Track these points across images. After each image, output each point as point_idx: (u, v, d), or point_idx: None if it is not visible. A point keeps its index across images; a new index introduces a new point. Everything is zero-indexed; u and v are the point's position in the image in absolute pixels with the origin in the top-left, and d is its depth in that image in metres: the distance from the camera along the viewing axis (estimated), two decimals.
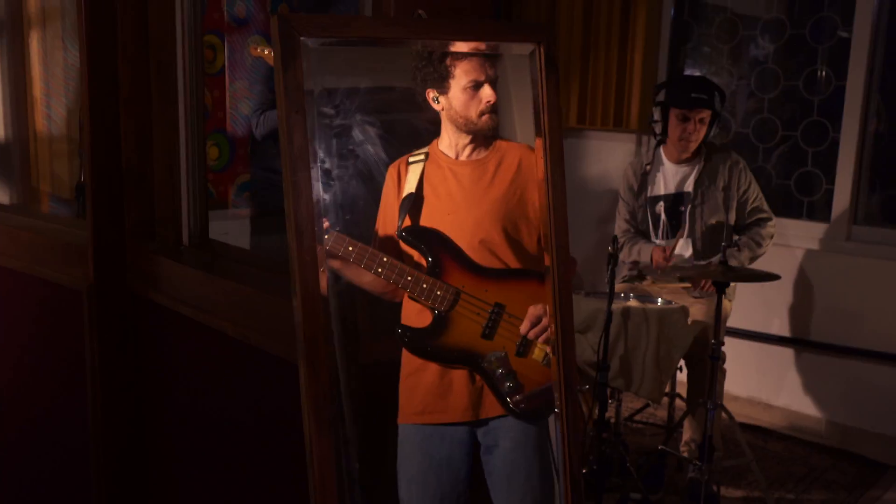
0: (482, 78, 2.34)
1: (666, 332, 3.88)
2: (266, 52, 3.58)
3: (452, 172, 2.50)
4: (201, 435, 2.90)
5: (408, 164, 2.52)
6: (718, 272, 3.66)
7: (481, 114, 2.39)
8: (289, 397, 2.26)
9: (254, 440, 2.67)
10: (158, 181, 2.96)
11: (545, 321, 2.39)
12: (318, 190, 1.88)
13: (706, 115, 4.17)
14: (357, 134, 2.16)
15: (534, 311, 2.41)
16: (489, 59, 2.32)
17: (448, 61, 2.32)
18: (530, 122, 2.34)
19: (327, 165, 2.03)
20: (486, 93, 2.35)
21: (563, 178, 1.97)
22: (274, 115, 3.82)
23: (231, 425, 2.75)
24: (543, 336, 2.39)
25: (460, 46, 2.05)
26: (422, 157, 2.50)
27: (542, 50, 2.03)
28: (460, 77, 2.35)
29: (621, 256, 4.36)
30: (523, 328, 2.40)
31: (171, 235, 2.96)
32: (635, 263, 4.39)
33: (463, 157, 2.50)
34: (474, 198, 2.47)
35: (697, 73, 5.40)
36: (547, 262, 2.10)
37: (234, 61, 4.44)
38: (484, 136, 2.46)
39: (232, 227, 4.14)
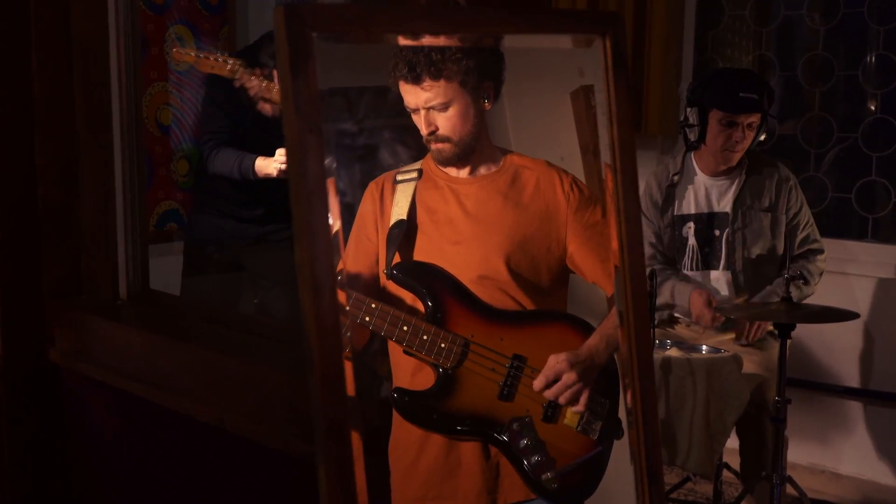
0: (412, 105, 2.41)
1: (717, 387, 3.85)
2: (195, 56, 3.52)
3: (454, 193, 2.52)
4: None
5: (395, 182, 2.49)
6: (782, 312, 3.62)
7: (426, 141, 2.45)
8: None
9: None
10: (88, 223, 2.88)
11: (567, 377, 2.37)
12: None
13: (755, 119, 4.17)
14: (386, 157, 2.10)
15: (554, 362, 2.40)
16: (437, 80, 2.37)
17: (394, 77, 2.41)
18: (547, 134, 2.32)
19: (349, 199, 1.95)
20: (419, 121, 2.42)
21: (636, 199, 1.91)
22: (230, 158, 3.77)
23: None
24: (564, 397, 2.35)
25: (512, 41, 2.03)
26: (413, 174, 2.50)
27: (608, 43, 1.96)
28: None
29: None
30: (537, 384, 2.38)
31: (104, 288, 2.89)
32: (668, 307, 4.33)
33: (465, 174, 2.47)
34: (483, 224, 2.48)
35: (726, 65, 5.41)
36: (623, 311, 2.03)
37: (150, 58, 4.38)
38: (482, 149, 2.50)
39: (167, 269, 4.06)
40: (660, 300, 4.35)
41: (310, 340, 1.82)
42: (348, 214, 1.96)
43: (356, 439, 1.89)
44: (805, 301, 4.23)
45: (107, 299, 2.98)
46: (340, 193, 1.97)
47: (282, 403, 1.99)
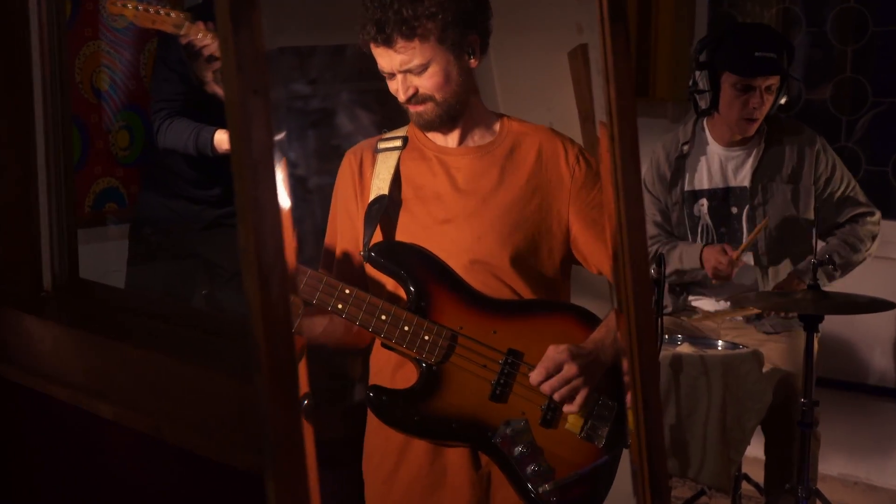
0: (386, 69, 2.43)
1: (734, 388, 3.85)
2: (133, 9, 3.46)
3: (443, 165, 2.51)
4: None
5: (375, 151, 2.49)
6: (808, 301, 3.62)
7: (405, 105, 2.46)
8: None
9: None
10: (3, 200, 2.86)
11: (567, 368, 2.36)
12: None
13: (774, 81, 4.16)
14: (344, 122, 2.08)
15: (554, 352, 2.40)
16: (411, 40, 2.37)
17: (363, 40, 2.42)
18: (537, 96, 2.30)
19: (301, 171, 1.93)
20: (396, 86, 2.44)
21: (637, 172, 1.88)
22: (184, 131, 3.70)
23: None
24: (560, 393, 2.35)
25: None
26: (397, 142, 2.49)
27: None
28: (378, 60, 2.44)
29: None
30: (535, 375, 2.39)
31: (26, 279, 2.87)
32: (678, 274, 4.30)
33: (454, 142, 2.46)
34: (475, 201, 2.48)
35: (744, 21, 5.40)
36: (622, 300, 2.01)
37: (85, 14, 4.33)
38: (472, 113, 2.51)
39: (105, 255, 4.03)
40: (668, 270, 4.34)
41: (255, 335, 1.79)
42: (300, 189, 1.93)
43: (312, 451, 1.87)
44: (848, 271, 4.23)
45: (27, 290, 2.96)
46: (291, 165, 1.94)
47: (227, 410, 1.97)
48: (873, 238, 4.28)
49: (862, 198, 4.32)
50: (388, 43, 2.36)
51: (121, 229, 4.27)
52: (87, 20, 4.38)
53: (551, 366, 2.38)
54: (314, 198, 2.04)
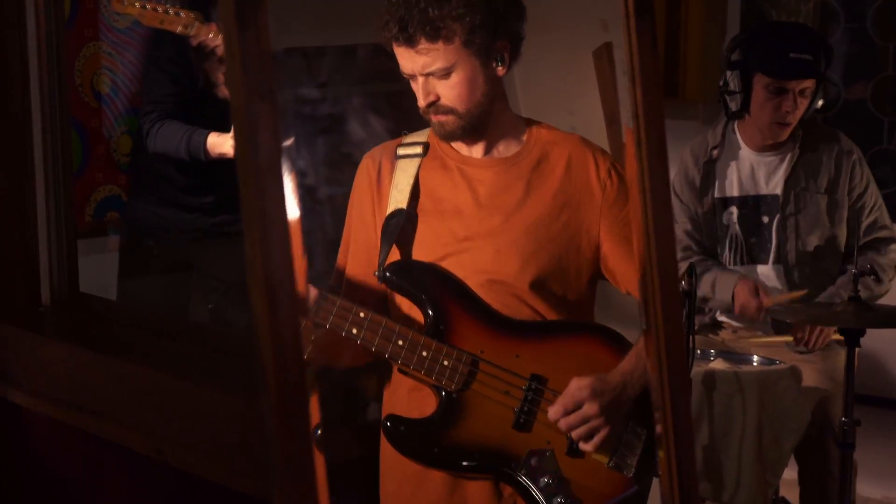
0: (407, 71, 2.40)
1: (771, 406, 3.84)
2: (139, 7, 3.44)
3: (465, 177, 2.49)
4: None
5: (394, 158, 2.48)
6: (850, 314, 3.59)
7: (424, 112, 2.43)
8: None
9: None
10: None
11: (588, 408, 2.36)
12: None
13: (809, 84, 4.14)
14: (356, 129, 2.07)
15: (575, 388, 2.37)
16: (435, 41, 2.34)
17: (385, 38, 2.39)
18: (558, 99, 2.28)
19: (311, 180, 1.92)
20: (417, 89, 2.40)
21: (665, 176, 1.86)
22: (176, 134, 3.68)
23: None
24: (577, 432, 2.37)
25: None
26: (418, 148, 2.47)
27: None
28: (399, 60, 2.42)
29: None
30: (553, 411, 2.37)
31: (22, 293, 2.86)
32: (705, 302, 4.30)
33: (479, 153, 2.44)
34: (498, 218, 2.46)
35: (779, 17, 5.38)
36: (650, 314, 1.99)
37: (85, 12, 4.33)
38: (499, 121, 2.48)
39: (107, 266, 4.02)
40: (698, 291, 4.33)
41: (263, 356, 1.78)
42: (310, 200, 1.92)
43: (323, 475, 1.86)
44: (877, 302, 4.20)
45: (24, 305, 2.95)
46: (300, 173, 1.93)
47: (233, 431, 1.96)
48: (895, 268, 4.26)
49: (887, 220, 4.29)
50: (410, 43, 2.34)
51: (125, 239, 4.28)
52: (87, 20, 4.38)
53: (570, 403, 2.35)
54: (324, 209, 2.03)
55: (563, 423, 2.35)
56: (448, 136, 2.45)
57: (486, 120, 2.44)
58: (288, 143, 1.62)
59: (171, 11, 3.43)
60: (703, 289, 4.25)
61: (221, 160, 3.62)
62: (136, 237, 4.14)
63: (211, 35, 3.38)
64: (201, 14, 3.42)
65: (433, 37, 2.32)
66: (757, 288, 4.12)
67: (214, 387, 2.41)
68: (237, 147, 1.72)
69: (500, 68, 2.41)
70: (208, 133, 3.62)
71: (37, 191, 2.95)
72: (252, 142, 1.68)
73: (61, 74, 2.91)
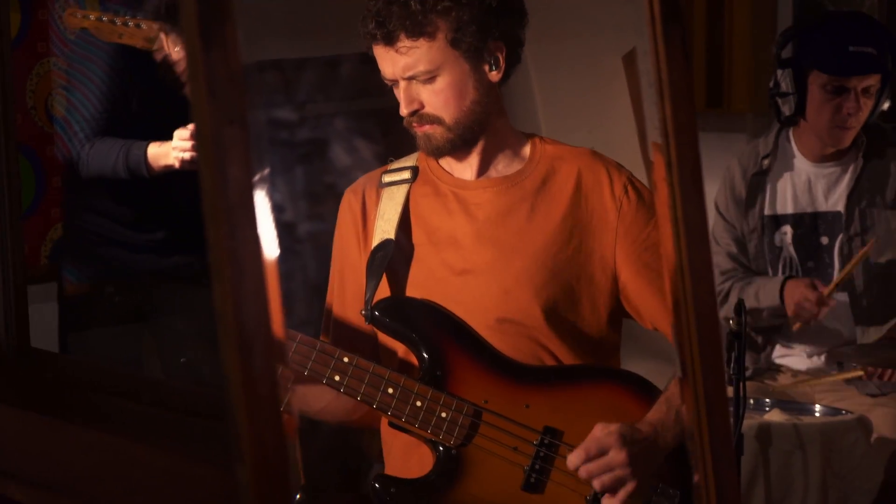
0: (388, 75, 2.44)
1: (837, 464, 3.84)
2: (94, 20, 3.46)
3: (460, 201, 2.50)
4: None
5: (379, 186, 2.48)
6: None
7: (408, 122, 2.46)
8: None
9: None
10: None
11: (614, 455, 2.33)
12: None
13: (873, 82, 4.16)
14: (340, 155, 2.09)
15: (599, 433, 2.37)
16: (416, 38, 2.37)
17: (362, 37, 2.43)
18: (580, 113, 2.29)
19: (289, 216, 1.94)
20: (399, 96, 2.43)
21: (701, 204, 1.87)
22: (111, 150, 3.67)
23: None
24: (601, 481, 2.34)
25: None
26: (405, 173, 2.48)
27: None
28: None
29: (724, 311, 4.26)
30: (573, 458, 2.36)
31: None
32: (754, 316, 4.27)
33: (473, 173, 2.45)
34: (500, 246, 2.48)
35: (845, 9, 5.39)
36: (686, 361, 2.01)
37: (37, 24, 4.36)
38: (496, 135, 2.52)
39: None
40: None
41: (237, 417, 1.79)
42: (288, 238, 1.94)
43: None
44: None
45: None
46: (277, 208, 1.95)
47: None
48: None
49: None
50: (389, 41, 2.36)
51: (85, 284, 4.28)
52: (40, 33, 4.40)
53: (594, 448, 2.33)
54: (305, 248, 2.04)
55: (583, 471, 2.34)
56: (435, 152, 2.46)
57: (478, 132, 2.45)
58: (262, 174, 1.63)
59: (130, 24, 3.43)
60: (747, 302, 4.23)
61: (168, 182, 3.61)
62: (74, 285, 4.13)
63: (177, 48, 3.39)
64: (166, 24, 3.42)
65: (414, 34, 2.34)
66: (811, 281, 4.10)
67: (189, 455, 2.42)
68: (204, 180, 1.74)
69: (493, 73, 2.43)
70: (147, 143, 3.62)
71: None
72: (221, 173, 1.69)
73: (6, 95, 2.92)
